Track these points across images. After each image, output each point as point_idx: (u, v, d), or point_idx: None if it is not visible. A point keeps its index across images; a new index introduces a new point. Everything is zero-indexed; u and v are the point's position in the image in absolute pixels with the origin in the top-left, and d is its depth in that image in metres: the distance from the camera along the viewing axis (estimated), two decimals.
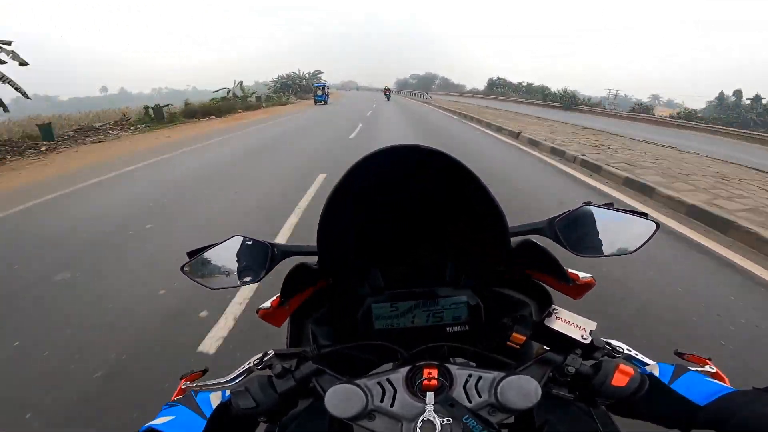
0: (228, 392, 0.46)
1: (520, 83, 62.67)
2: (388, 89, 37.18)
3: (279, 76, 57.45)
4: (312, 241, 0.54)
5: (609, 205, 0.55)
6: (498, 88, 65.29)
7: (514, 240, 0.54)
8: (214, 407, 0.44)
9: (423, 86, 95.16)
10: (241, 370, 0.48)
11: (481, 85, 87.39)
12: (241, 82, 33.93)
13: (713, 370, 0.46)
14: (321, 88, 33.95)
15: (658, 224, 0.52)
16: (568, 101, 34.30)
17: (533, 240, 0.54)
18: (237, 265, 0.57)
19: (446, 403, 0.39)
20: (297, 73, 59.11)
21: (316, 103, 32.52)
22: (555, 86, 59.96)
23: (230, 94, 32.59)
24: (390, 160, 0.47)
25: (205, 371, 0.54)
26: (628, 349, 0.48)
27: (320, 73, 62.59)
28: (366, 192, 0.50)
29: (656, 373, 0.43)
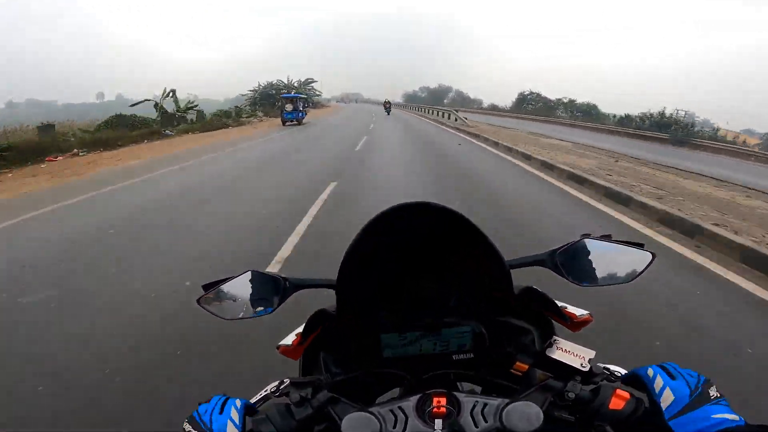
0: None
1: (559, 99, 49.50)
2: (389, 102, 34.34)
3: (260, 84, 44.90)
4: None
5: (607, 237, 0.58)
6: (530, 104, 51.63)
7: (517, 286, 0.57)
8: None
9: (434, 100, 71.47)
10: (258, 397, 0.50)
11: (499, 100, 73.67)
12: (173, 92, 22.00)
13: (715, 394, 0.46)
14: (291, 100, 21.89)
15: (654, 255, 0.55)
16: (683, 132, 21.48)
17: (534, 287, 0.57)
18: (250, 297, 0.60)
19: (454, 429, 0.41)
20: (285, 81, 46.41)
21: (284, 123, 20.89)
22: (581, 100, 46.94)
23: (159, 110, 20.92)
24: (401, 214, 0.51)
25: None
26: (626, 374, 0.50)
27: (312, 81, 50.27)
28: (379, 240, 0.54)
29: (669, 401, 0.42)
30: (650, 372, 0.44)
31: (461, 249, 0.54)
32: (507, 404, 0.42)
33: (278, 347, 0.64)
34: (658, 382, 0.43)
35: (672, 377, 0.43)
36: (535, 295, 0.57)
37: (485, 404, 0.43)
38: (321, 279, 0.60)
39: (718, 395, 0.41)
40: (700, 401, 0.41)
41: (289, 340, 0.63)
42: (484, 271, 0.55)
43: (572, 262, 0.57)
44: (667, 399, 0.42)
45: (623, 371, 0.49)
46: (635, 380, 0.45)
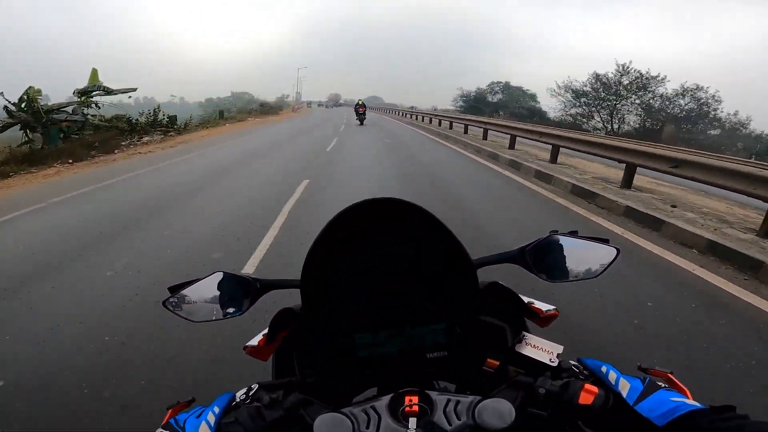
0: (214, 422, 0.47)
1: None
2: (363, 105, 22.28)
3: None
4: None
5: (574, 233, 0.59)
6: None
7: (482, 282, 0.57)
8: None
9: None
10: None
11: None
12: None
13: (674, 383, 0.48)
14: None
15: (618, 250, 0.56)
16: None
17: (499, 282, 0.58)
18: (220, 299, 0.59)
19: (428, 428, 0.41)
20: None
21: None
22: None
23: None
24: (367, 210, 0.51)
25: (191, 401, 0.53)
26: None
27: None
28: (345, 238, 0.54)
29: (626, 390, 0.43)
30: (603, 369, 0.46)
31: (427, 246, 0.55)
32: (479, 401, 0.42)
33: (245, 348, 0.63)
34: (612, 375, 0.45)
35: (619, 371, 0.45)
36: (500, 291, 0.58)
37: (458, 402, 0.43)
38: (292, 279, 0.59)
39: (662, 384, 0.44)
40: (653, 388, 0.43)
41: (256, 340, 0.62)
42: (451, 268, 0.55)
43: (542, 258, 0.58)
44: (624, 388, 0.43)
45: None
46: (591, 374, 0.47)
